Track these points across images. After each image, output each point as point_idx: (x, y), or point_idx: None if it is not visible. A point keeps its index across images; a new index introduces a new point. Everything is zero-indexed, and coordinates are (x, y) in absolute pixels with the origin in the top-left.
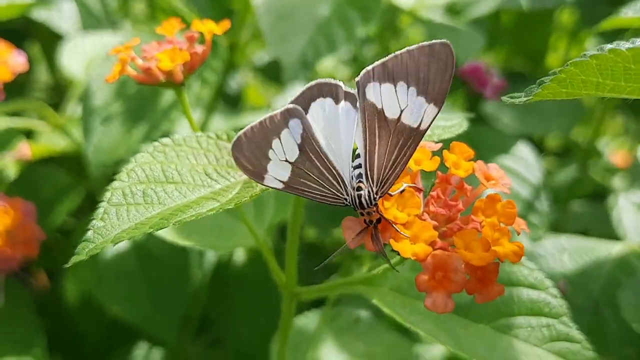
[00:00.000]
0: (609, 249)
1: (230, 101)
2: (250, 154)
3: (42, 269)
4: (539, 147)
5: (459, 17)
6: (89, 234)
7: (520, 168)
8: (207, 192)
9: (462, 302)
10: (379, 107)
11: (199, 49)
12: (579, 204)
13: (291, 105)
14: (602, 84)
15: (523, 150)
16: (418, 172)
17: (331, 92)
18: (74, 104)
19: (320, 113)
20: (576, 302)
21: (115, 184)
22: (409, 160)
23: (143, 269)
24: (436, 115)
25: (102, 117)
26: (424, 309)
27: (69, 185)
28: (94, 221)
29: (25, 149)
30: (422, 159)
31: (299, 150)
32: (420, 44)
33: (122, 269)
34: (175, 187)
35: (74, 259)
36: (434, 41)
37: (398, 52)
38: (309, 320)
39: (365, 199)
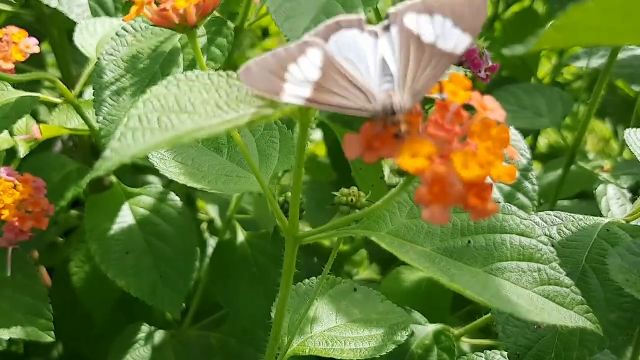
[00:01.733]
0: (597, 222)
1: None
2: (263, 78)
3: (44, 267)
4: (531, 149)
5: None
6: (107, 152)
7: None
8: (218, 121)
9: (456, 246)
10: (415, 32)
11: None
12: (564, 202)
13: (309, 38)
14: (602, 27)
15: (513, 134)
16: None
17: (353, 25)
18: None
19: (342, 40)
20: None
21: (132, 110)
22: (439, 77)
23: (149, 244)
24: (468, 45)
25: (112, 91)
26: (420, 250)
27: (76, 170)
28: (111, 141)
29: (36, 131)
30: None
31: (321, 71)
32: None
33: (127, 244)
34: (188, 116)
35: (92, 175)
36: None
37: None
38: (307, 287)
39: (396, 105)
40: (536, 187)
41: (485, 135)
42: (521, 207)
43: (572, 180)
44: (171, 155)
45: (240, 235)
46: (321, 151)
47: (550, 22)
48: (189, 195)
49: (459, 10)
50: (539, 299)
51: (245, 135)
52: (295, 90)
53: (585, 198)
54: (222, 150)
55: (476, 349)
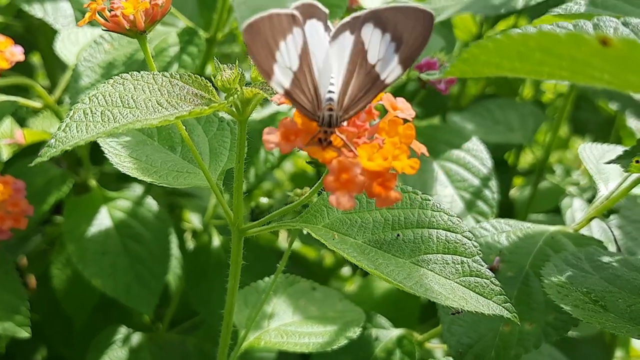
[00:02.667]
0: (544, 230)
1: None
2: (261, 48)
3: (32, 274)
4: (512, 167)
5: None
6: (52, 141)
7: (474, 161)
8: (157, 115)
9: (386, 239)
10: (366, 47)
11: (159, 1)
12: (538, 216)
13: (296, 12)
14: (500, 64)
15: (476, 145)
16: None
17: (321, 17)
18: (66, 92)
19: (313, 33)
20: (508, 274)
21: (77, 105)
22: (370, 101)
23: (125, 246)
24: (399, 76)
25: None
26: (352, 242)
27: (60, 175)
28: (56, 131)
29: (19, 135)
30: None
31: (299, 60)
32: (417, 6)
33: (105, 246)
34: (129, 111)
35: (37, 160)
36: (426, 9)
37: (398, 5)
38: (265, 283)
39: (333, 120)
40: (496, 196)
41: (393, 131)
42: (481, 213)
43: (545, 195)
44: (127, 151)
45: (216, 240)
46: (309, 166)
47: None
48: (171, 204)
49: (407, 33)
50: (460, 288)
51: (199, 135)
52: (280, 76)
53: (558, 213)
54: (176, 149)
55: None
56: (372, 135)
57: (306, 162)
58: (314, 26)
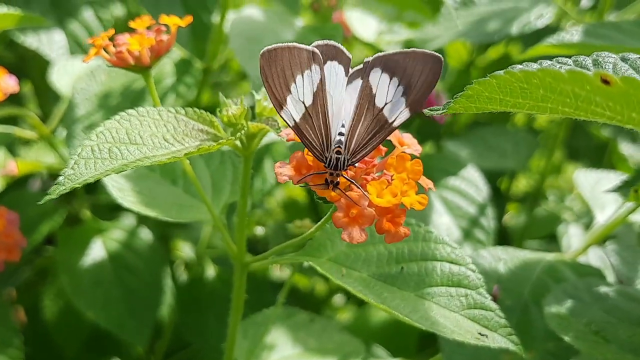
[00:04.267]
0: (541, 258)
1: None
2: (277, 76)
3: (21, 306)
4: (506, 193)
5: None
6: (60, 178)
7: (470, 189)
8: (164, 152)
9: (391, 272)
10: (374, 92)
11: (164, 37)
12: (533, 242)
13: (316, 50)
14: (504, 100)
15: (472, 173)
16: None
17: (342, 61)
18: (61, 122)
19: (332, 74)
20: (507, 303)
21: (85, 142)
22: (376, 147)
23: (119, 277)
24: (406, 120)
25: (84, 126)
26: (357, 275)
27: (53, 206)
28: (65, 169)
29: (12, 166)
30: None
31: (313, 97)
32: (426, 50)
33: (98, 277)
34: (137, 147)
35: (46, 198)
36: (435, 54)
37: (405, 50)
38: (264, 316)
39: (340, 164)
40: (492, 224)
41: (401, 167)
42: (478, 242)
43: (540, 222)
44: (129, 185)
45: (211, 270)
46: (300, 194)
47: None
48: (164, 235)
49: (416, 77)
50: (465, 321)
51: (201, 169)
52: (291, 108)
53: (555, 239)
54: (178, 182)
55: None
56: (381, 170)
57: (316, 198)
58: (334, 68)
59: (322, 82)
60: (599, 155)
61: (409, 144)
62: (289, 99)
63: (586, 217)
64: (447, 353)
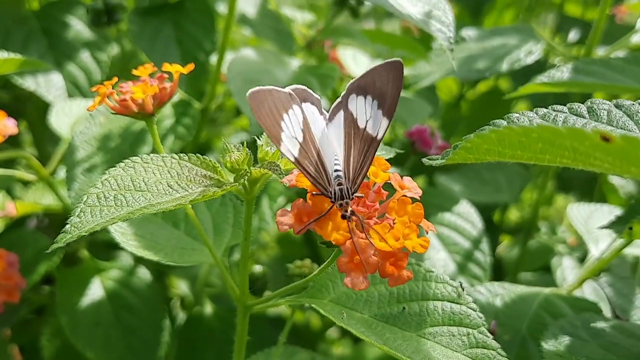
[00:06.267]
0: (537, 292)
1: None
2: (267, 115)
3: (15, 344)
4: (499, 225)
5: (407, 90)
6: (67, 227)
7: (465, 225)
8: (169, 199)
9: (392, 313)
10: (355, 116)
11: (167, 85)
12: (527, 274)
13: (292, 91)
14: (502, 152)
15: (467, 209)
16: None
17: (314, 102)
18: (60, 164)
19: (310, 114)
20: (505, 338)
21: (91, 189)
22: (370, 164)
23: (118, 317)
24: (387, 128)
25: (84, 168)
26: (359, 317)
27: (50, 245)
28: (71, 217)
29: (11, 208)
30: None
31: (302, 133)
32: (387, 61)
33: (97, 317)
34: (141, 194)
35: (54, 246)
36: (394, 60)
37: (370, 69)
38: (265, 356)
39: (345, 192)
40: (488, 259)
41: (402, 211)
42: (474, 277)
43: (533, 254)
44: (131, 229)
45: (209, 309)
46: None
47: (461, 142)
48: (159, 272)
49: (384, 86)
50: None
51: (202, 211)
52: (288, 144)
53: (548, 271)
54: (179, 225)
55: None
56: (382, 213)
57: (319, 242)
58: (309, 108)
59: (305, 119)
60: (590, 186)
61: (409, 187)
62: (282, 135)
63: (580, 250)
64: None
